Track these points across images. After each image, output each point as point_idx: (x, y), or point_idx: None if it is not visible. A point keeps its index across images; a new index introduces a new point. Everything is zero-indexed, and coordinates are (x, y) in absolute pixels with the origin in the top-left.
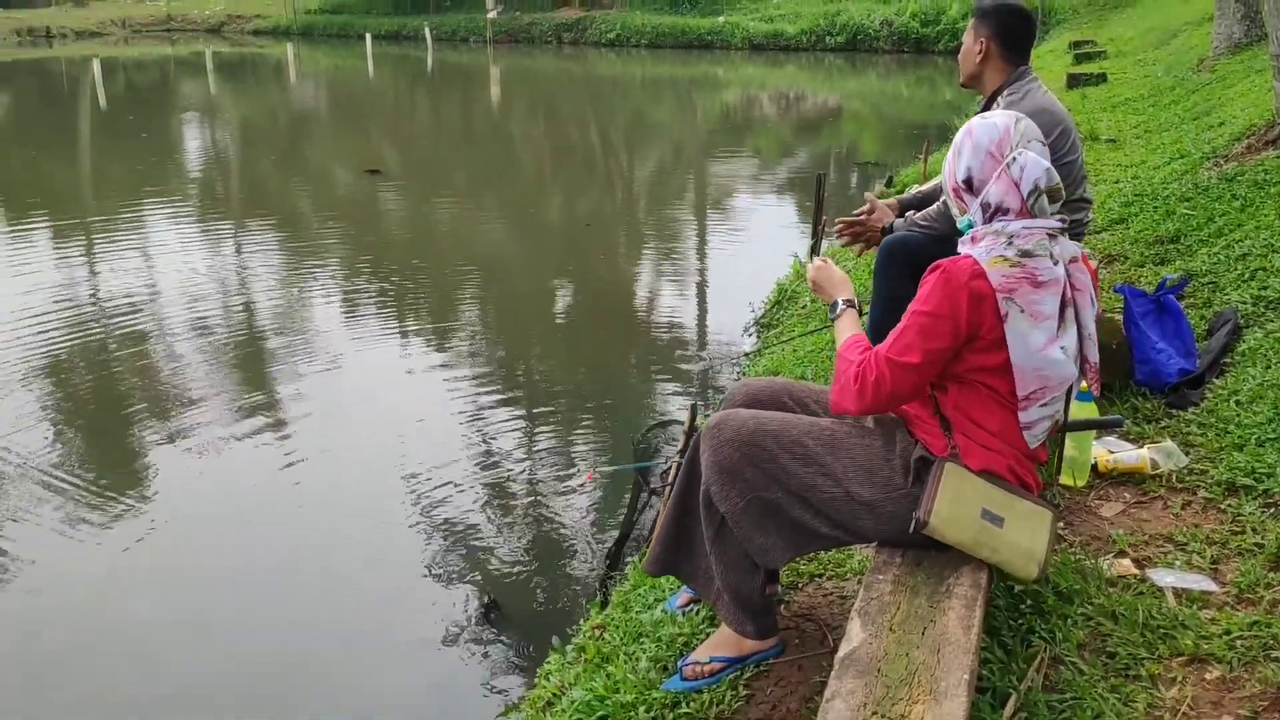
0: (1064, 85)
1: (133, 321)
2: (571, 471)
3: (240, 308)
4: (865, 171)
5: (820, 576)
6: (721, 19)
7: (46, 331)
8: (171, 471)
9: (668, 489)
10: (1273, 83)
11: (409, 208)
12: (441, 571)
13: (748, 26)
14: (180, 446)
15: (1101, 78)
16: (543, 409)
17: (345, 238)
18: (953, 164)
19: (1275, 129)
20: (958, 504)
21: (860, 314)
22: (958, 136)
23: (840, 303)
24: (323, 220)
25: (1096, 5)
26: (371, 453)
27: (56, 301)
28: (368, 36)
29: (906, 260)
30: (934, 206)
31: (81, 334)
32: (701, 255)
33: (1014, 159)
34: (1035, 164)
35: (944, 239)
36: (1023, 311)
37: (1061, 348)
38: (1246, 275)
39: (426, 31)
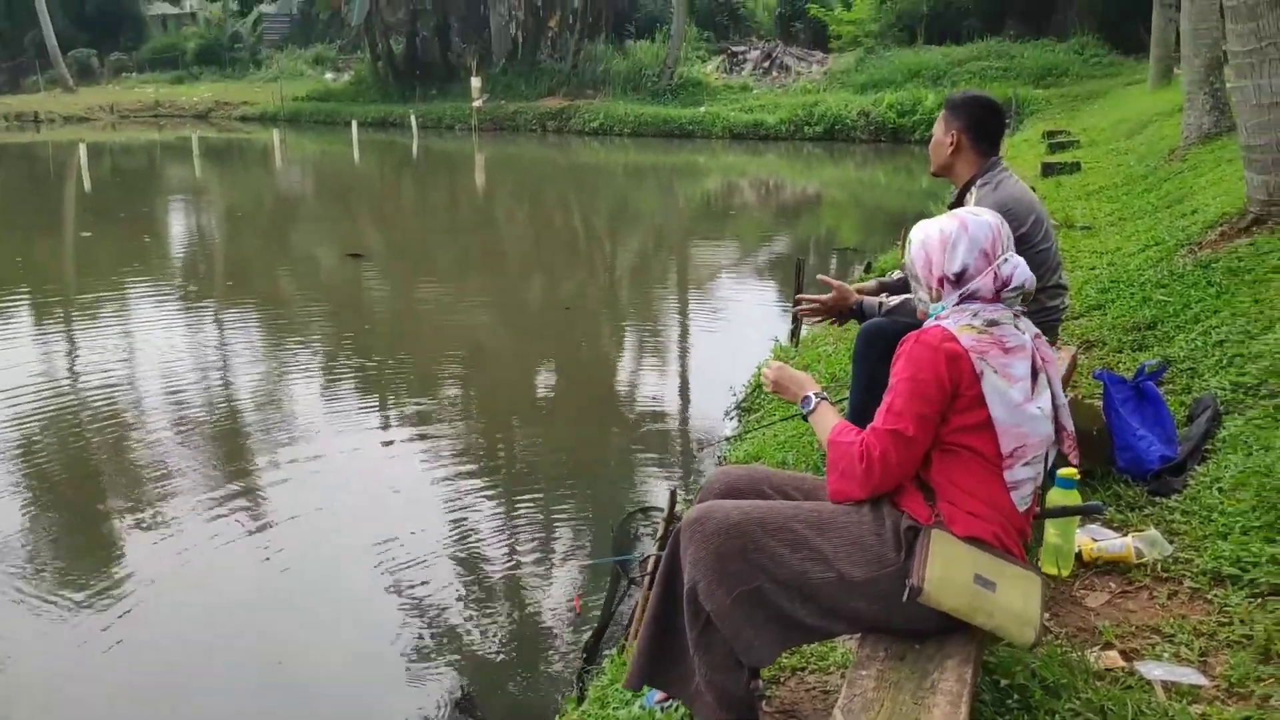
0: (1039, 173)
1: (111, 401)
2: (550, 558)
3: (221, 390)
4: (844, 257)
5: (802, 670)
6: (703, 109)
7: (23, 410)
8: (145, 555)
9: (647, 578)
10: (1244, 172)
11: (391, 291)
12: (416, 662)
13: (728, 116)
14: (155, 531)
15: (1075, 166)
16: (523, 494)
17: (326, 321)
18: (941, 255)
19: (1248, 217)
20: (949, 569)
21: (832, 402)
22: (946, 229)
23: (812, 397)
24: (304, 303)
25: (1068, 97)
26: (349, 539)
27: (34, 380)
28: (353, 123)
29: (885, 347)
30: (906, 297)
31: (59, 413)
32: (683, 339)
33: (1005, 259)
34: (1023, 270)
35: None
36: (996, 371)
37: (1038, 407)
38: (1224, 361)
39: (412, 119)
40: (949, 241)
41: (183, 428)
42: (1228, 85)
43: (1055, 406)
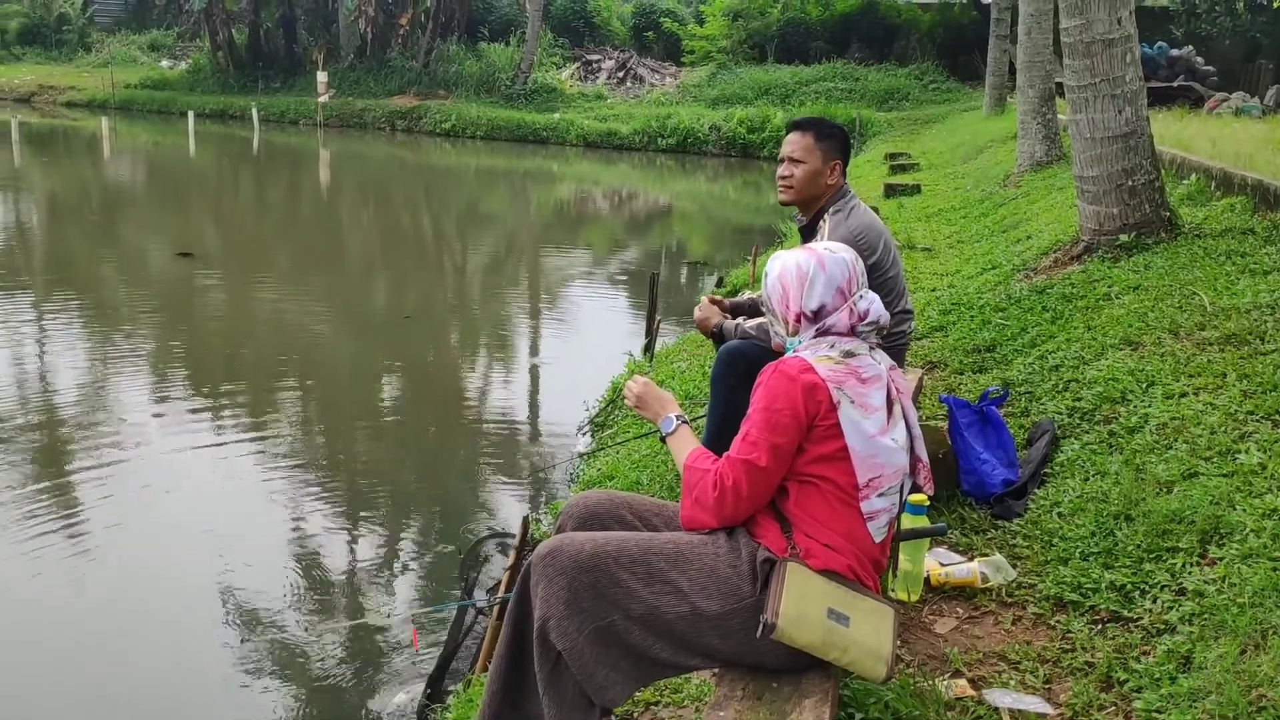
0: (882, 194)
1: None
2: (391, 583)
3: (38, 392)
4: (695, 270)
5: (656, 704)
6: (557, 115)
7: None
8: None
9: (495, 608)
10: (1078, 202)
11: (224, 293)
12: (239, 694)
13: (582, 124)
14: None
15: (916, 189)
16: (363, 513)
17: (154, 323)
18: (798, 292)
19: (1080, 245)
20: (803, 604)
21: (689, 421)
22: (804, 265)
23: (673, 419)
24: (131, 303)
25: (909, 120)
26: (172, 558)
27: None
28: (190, 114)
29: (745, 370)
30: (762, 321)
31: None
32: (534, 350)
33: (861, 297)
34: (878, 306)
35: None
36: (853, 402)
37: (893, 439)
38: (1060, 386)
39: (254, 112)
40: (806, 279)
41: None
42: (1060, 117)
43: (910, 437)
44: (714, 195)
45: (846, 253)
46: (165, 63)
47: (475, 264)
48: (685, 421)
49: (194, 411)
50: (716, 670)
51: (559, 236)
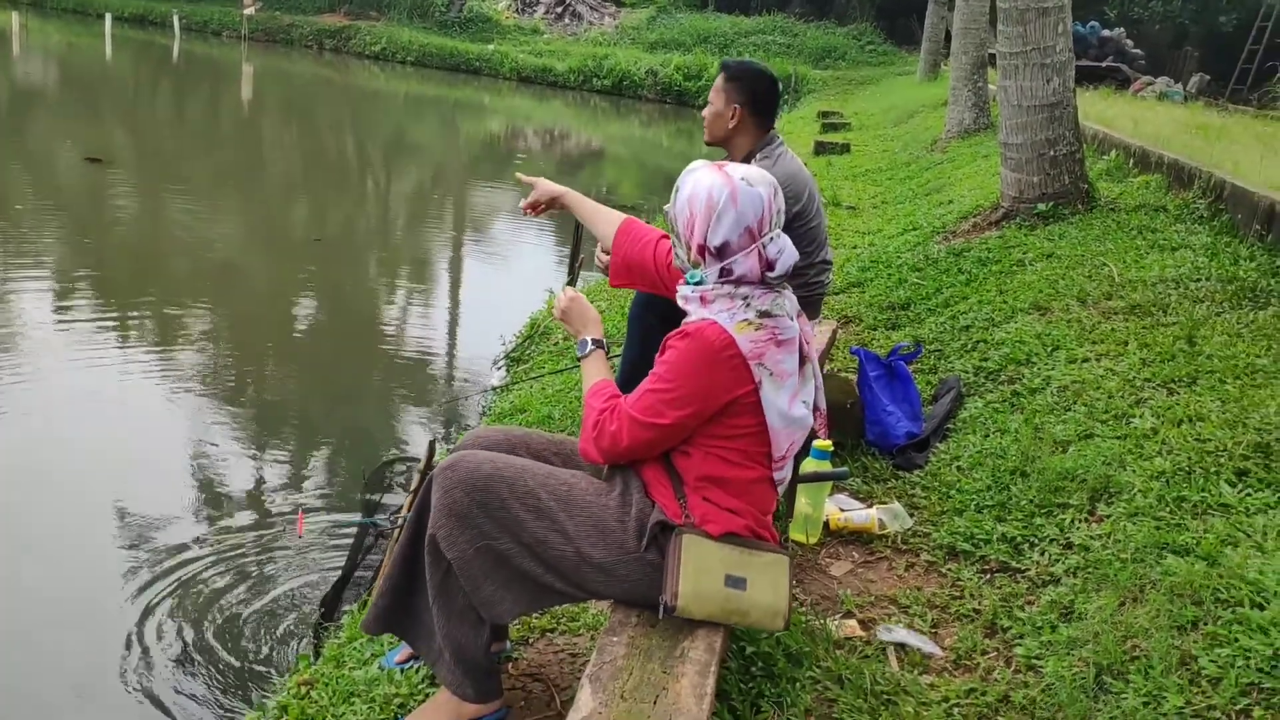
0: (812, 151)
1: None
2: (297, 505)
3: None
4: (625, 213)
5: (552, 631)
6: (491, 47)
7: None
8: None
9: (396, 530)
10: (1000, 169)
11: (134, 202)
12: (132, 614)
13: (517, 58)
14: None
15: (845, 148)
16: (271, 435)
17: (58, 229)
18: (704, 224)
19: (999, 211)
20: (701, 578)
21: (608, 353)
22: (716, 194)
23: (589, 342)
24: (34, 208)
25: (844, 80)
26: (68, 474)
27: None
28: (108, 16)
29: (664, 310)
30: None
31: None
32: (454, 283)
33: (771, 239)
34: (790, 253)
35: None
36: (771, 375)
37: (803, 401)
38: (969, 346)
39: (175, 19)
40: (715, 210)
41: None
42: (991, 86)
43: (815, 388)
44: (647, 141)
45: (764, 186)
46: None
47: (399, 192)
48: (601, 347)
49: (97, 324)
50: (612, 602)
51: (487, 171)
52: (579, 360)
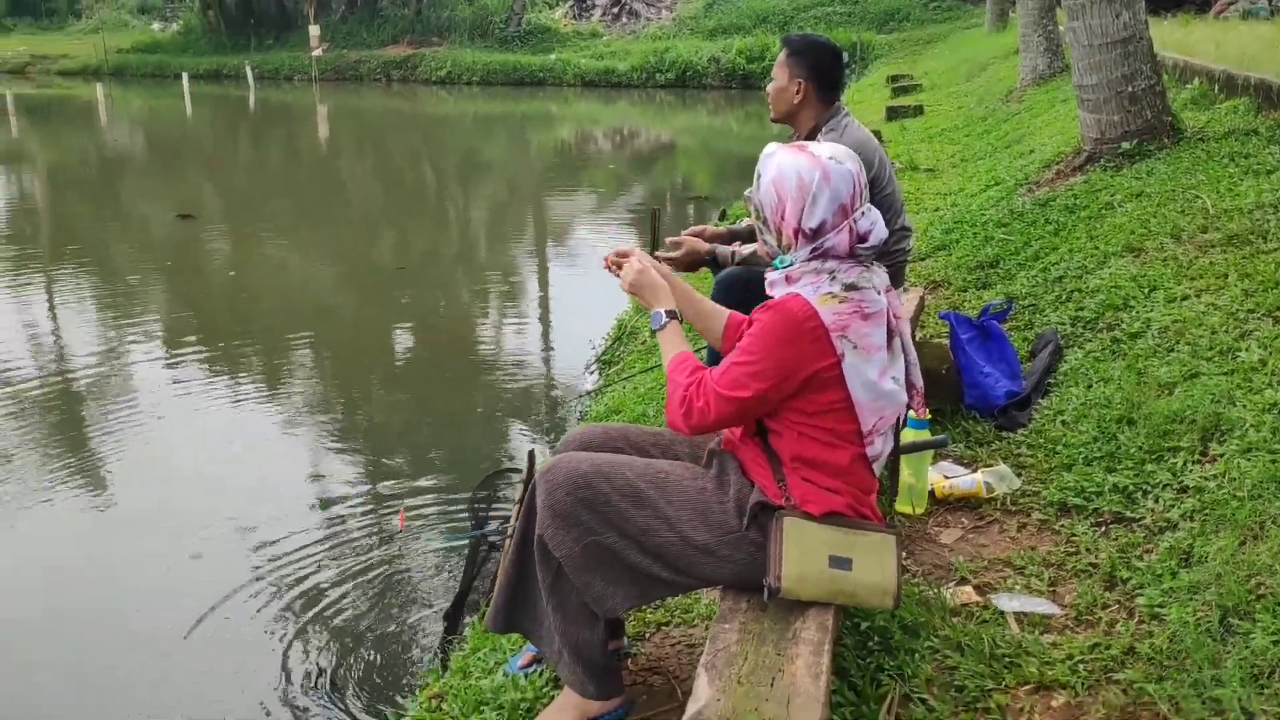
0: (884, 118)
1: None
2: (410, 527)
3: (52, 361)
4: (699, 205)
5: (667, 625)
6: (553, 56)
7: None
8: None
9: (507, 541)
10: (1078, 112)
11: (227, 252)
12: (264, 637)
13: (579, 63)
14: None
15: (918, 110)
16: (378, 461)
17: (159, 285)
18: (797, 206)
19: (1082, 155)
20: (804, 560)
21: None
22: (806, 176)
23: (662, 314)
24: (136, 267)
25: (910, 41)
26: (192, 511)
27: None
28: (184, 76)
29: (744, 296)
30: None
31: None
32: (539, 293)
33: (862, 213)
34: (880, 229)
35: None
36: (856, 348)
37: (893, 378)
38: (1064, 297)
39: (248, 70)
40: (808, 193)
41: (7, 405)
42: (1061, 27)
43: (907, 365)
44: (715, 129)
45: (852, 162)
46: (156, 25)
47: (477, 210)
48: (675, 317)
49: (205, 369)
50: (721, 589)
51: (561, 179)
52: (653, 333)
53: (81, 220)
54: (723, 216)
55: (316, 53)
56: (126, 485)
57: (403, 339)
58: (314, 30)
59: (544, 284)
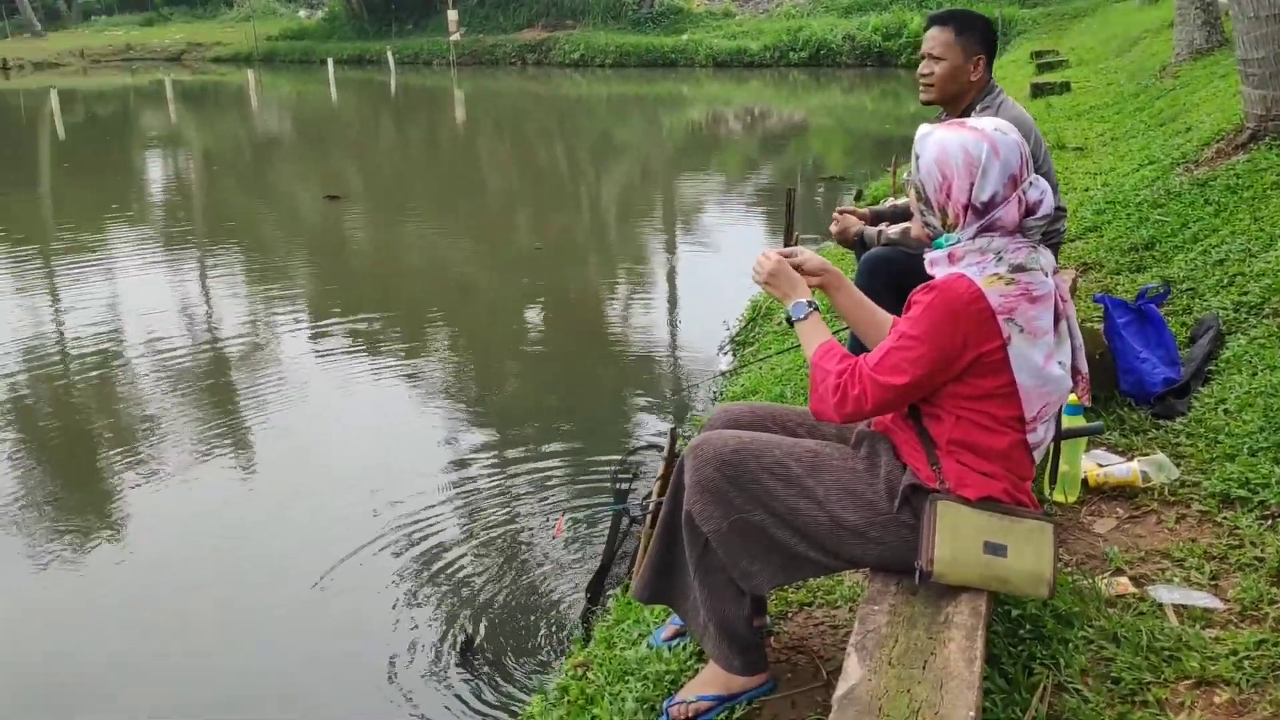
0: (1028, 95)
1: (93, 352)
2: (546, 499)
3: (204, 336)
4: (833, 185)
5: (810, 605)
6: (685, 37)
7: (6, 362)
8: (135, 501)
9: (648, 516)
10: (1240, 87)
11: (371, 232)
12: (414, 607)
13: (711, 44)
14: (143, 476)
15: (1065, 87)
16: (514, 434)
17: (307, 264)
18: (966, 181)
19: (1245, 133)
20: (958, 545)
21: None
22: (973, 150)
23: (803, 304)
24: (285, 246)
25: (1055, 15)
26: (337, 483)
27: (17, 331)
28: (329, 61)
29: (889, 277)
30: (906, 225)
31: (43, 364)
32: (672, 274)
33: (1030, 183)
34: (1049, 198)
35: (921, 255)
36: (1022, 331)
37: (1059, 362)
38: (1225, 281)
39: (389, 55)
40: (977, 166)
41: (166, 374)
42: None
43: (1073, 349)
44: (850, 107)
45: (1014, 132)
46: (302, 12)
47: (610, 191)
48: (816, 308)
49: (347, 341)
50: (869, 570)
51: (692, 160)
52: (792, 324)
53: (234, 200)
54: (858, 197)
55: (454, 37)
56: (270, 449)
57: (537, 317)
58: (452, 15)
59: (675, 264)
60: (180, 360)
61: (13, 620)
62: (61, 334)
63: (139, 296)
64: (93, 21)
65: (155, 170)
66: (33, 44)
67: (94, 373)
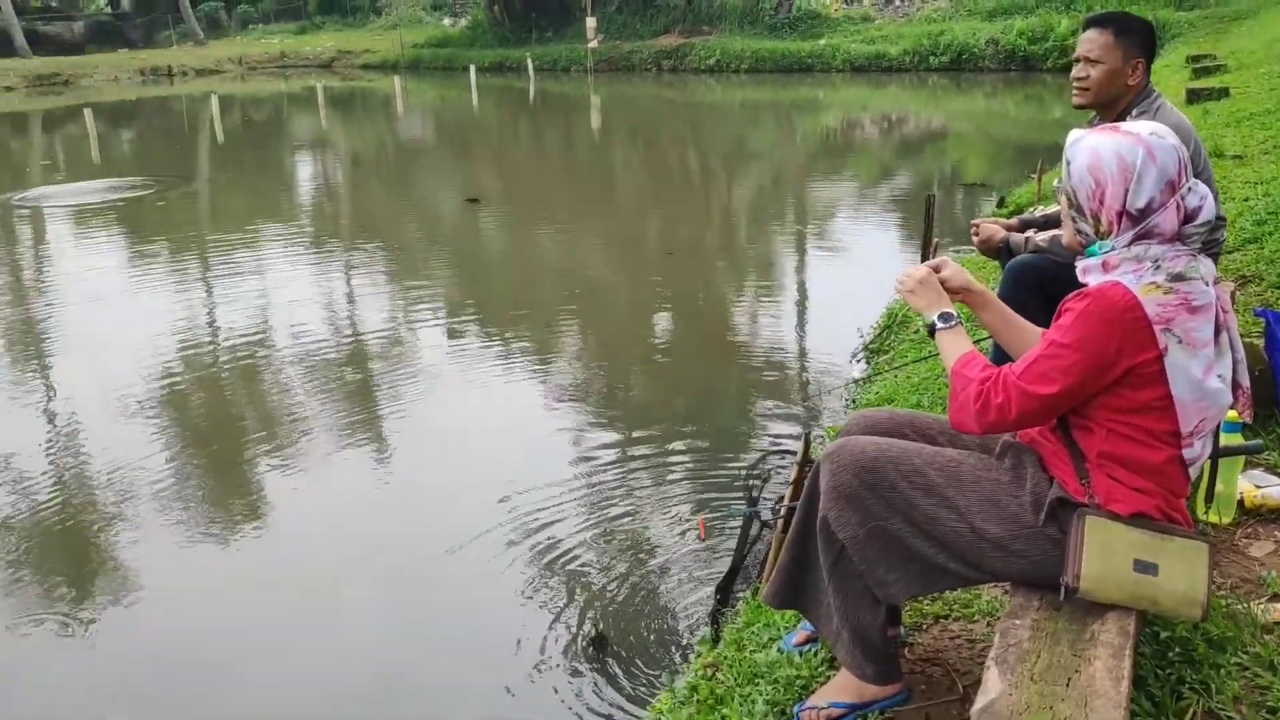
0: (1184, 100)
1: (243, 342)
2: (671, 499)
3: (346, 331)
4: (972, 193)
5: (945, 618)
6: (822, 42)
7: (164, 353)
8: (275, 494)
9: (780, 520)
10: None
11: (508, 235)
12: (544, 601)
13: (849, 49)
14: (285, 469)
15: (1223, 92)
16: (641, 433)
17: (446, 264)
18: (1121, 188)
19: None
20: (1107, 561)
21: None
22: (1127, 155)
23: (946, 313)
24: (425, 247)
25: (1213, 19)
26: (470, 478)
27: (174, 323)
28: (471, 68)
29: (1036, 285)
30: (1056, 232)
31: (195, 355)
32: (803, 280)
33: (1190, 189)
34: (1210, 204)
35: (1070, 263)
36: (1181, 342)
37: (1219, 375)
38: None
39: (528, 62)
40: (1132, 172)
41: (310, 364)
42: None
43: (1235, 363)
44: (992, 113)
45: (1171, 135)
46: (447, 21)
47: (742, 196)
48: (958, 319)
49: (482, 338)
50: (1007, 587)
51: (826, 166)
52: (932, 334)
53: (378, 201)
54: (1000, 204)
55: (592, 44)
56: (405, 437)
57: (667, 319)
58: (590, 22)
59: (806, 270)
60: (324, 351)
61: (168, 589)
62: (214, 324)
63: (286, 290)
64: (251, 30)
65: (305, 172)
66: (195, 51)
67: (243, 361)
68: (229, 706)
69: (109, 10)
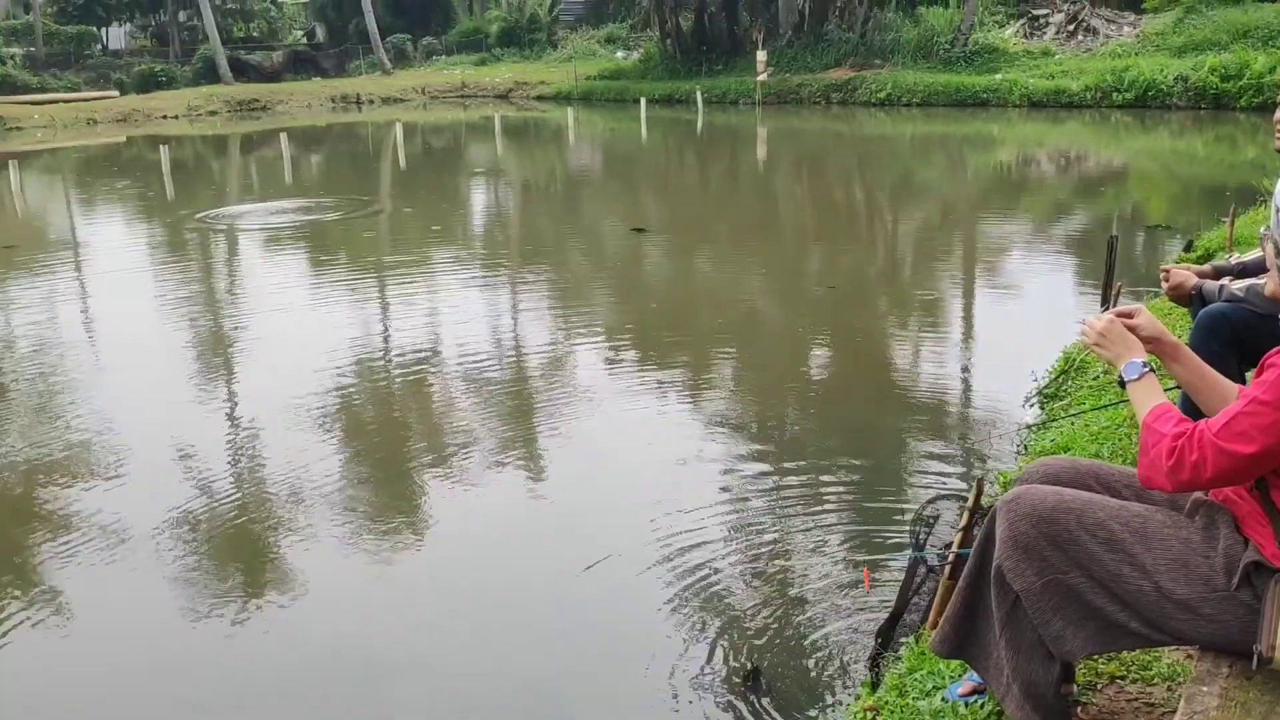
0: None
1: (413, 361)
2: (829, 536)
3: (510, 354)
4: (1155, 235)
5: (1122, 679)
6: (999, 76)
7: (341, 367)
8: (435, 502)
9: (947, 566)
10: None
11: (671, 264)
12: (696, 632)
13: (1027, 83)
14: (446, 482)
15: None
16: (795, 468)
17: (610, 291)
18: None
19: None
20: None
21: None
22: None
23: (1138, 364)
24: (591, 275)
25: None
26: (624, 504)
27: (349, 339)
28: (642, 101)
29: (1230, 336)
30: (1254, 281)
31: (367, 370)
32: (970, 320)
33: None
34: None
35: (1269, 315)
36: None
37: None
38: None
39: (697, 95)
40: None
41: (474, 381)
42: None
43: None
44: (1178, 152)
45: None
46: (620, 54)
47: (908, 233)
48: (1152, 370)
49: (638, 364)
50: (1189, 650)
51: (998, 202)
52: (1123, 385)
53: (546, 227)
54: (1189, 248)
55: (762, 77)
56: (560, 479)
57: (825, 354)
58: (761, 56)
59: (974, 310)
60: (487, 369)
61: (329, 590)
62: (387, 339)
63: (456, 310)
64: (434, 61)
65: (479, 197)
66: (382, 80)
67: (412, 376)
68: (377, 707)
69: (305, 41)
